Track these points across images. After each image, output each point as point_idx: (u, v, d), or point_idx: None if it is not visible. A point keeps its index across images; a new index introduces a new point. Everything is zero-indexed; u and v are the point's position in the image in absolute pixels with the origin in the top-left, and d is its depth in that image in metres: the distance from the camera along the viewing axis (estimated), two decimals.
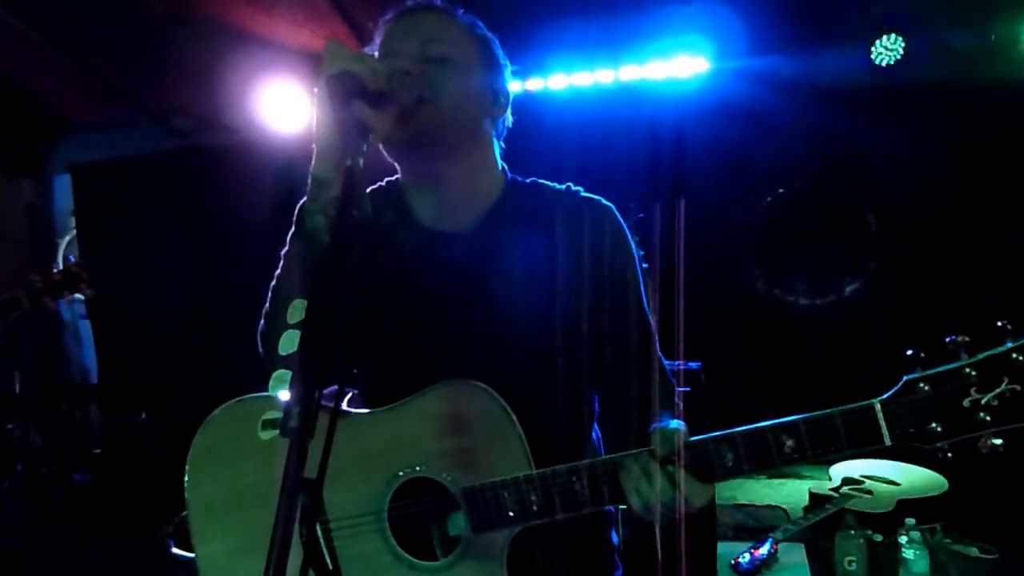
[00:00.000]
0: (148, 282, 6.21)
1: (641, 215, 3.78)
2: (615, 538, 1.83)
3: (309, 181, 1.47)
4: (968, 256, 4.61)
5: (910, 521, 3.41)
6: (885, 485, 4.02)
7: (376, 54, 1.64)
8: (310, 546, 1.27)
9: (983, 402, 1.24)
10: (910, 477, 4.08)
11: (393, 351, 1.68)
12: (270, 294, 1.62)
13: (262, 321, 1.65)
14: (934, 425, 1.26)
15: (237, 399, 1.66)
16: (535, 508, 1.46)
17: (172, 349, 6.06)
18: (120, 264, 6.35)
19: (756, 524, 4.00)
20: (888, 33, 4.47)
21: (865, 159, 4.84)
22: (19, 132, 6.41)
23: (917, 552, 3.28)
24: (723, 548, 3.76)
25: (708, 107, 4.83)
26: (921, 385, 1.27)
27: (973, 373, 1.25)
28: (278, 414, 1.05)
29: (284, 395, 1.07)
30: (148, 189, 6.25)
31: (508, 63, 1.75)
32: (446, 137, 1.60)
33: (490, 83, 1.69)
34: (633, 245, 1.73)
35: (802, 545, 3.75)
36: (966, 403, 1.25)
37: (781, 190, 5.07)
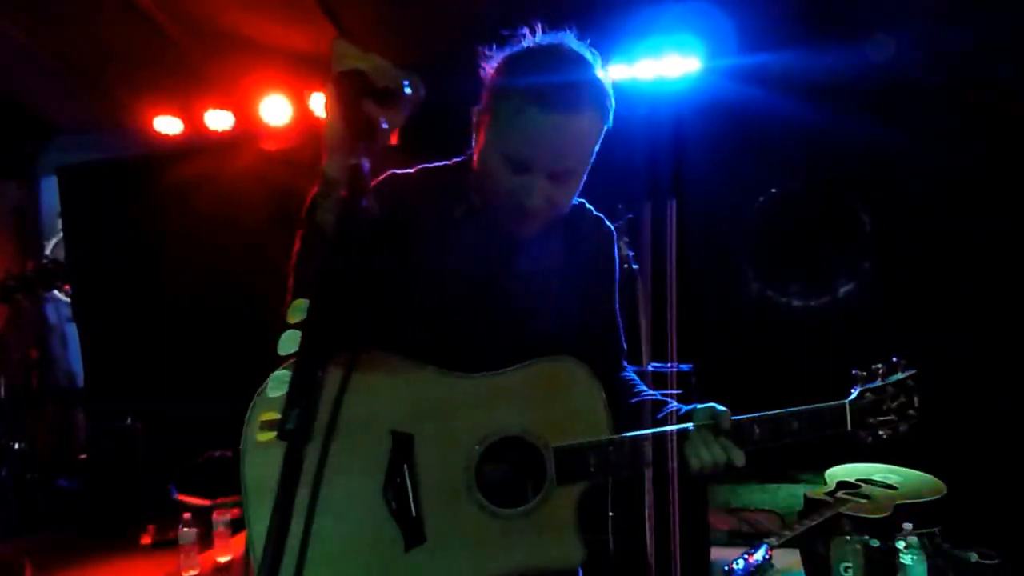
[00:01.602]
0: (135, 284, 6.17)
1: (630, 216, 3.76)
2: None
3: (320, 177, 1.50)
4: (963, 256, 4.61)
5: (908, 526, 3.38)
6: (882, 489, 3.99)
7: (490, 105, 1.71)
8: (399, 497, 1.60)
9: (891, 407, 1.94)
10: (908, 481, 4.05)
11: (459, 326, 1.82)
12: (292, 273, 1.67)
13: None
14: (873, 418, 1.93)
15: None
16: (612, 466, 1.75)
17: (159, 353, 6.02)
18: (107, 266, 6.31)
19: (751, 529, 3.98)
20: (881, 31, 4.48)
21: (858, 159, 4.83)
22: (6, 134, 6.38)
23: (915, 557, 3.25)
24: (717, 554, 3.74)
25: (699, 106, 4.82)
26: (868, 394, 1.94)
27: (891, 389, 1.95)
28: (277, 415, 1.02)
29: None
30: (135, 191, 6.22)
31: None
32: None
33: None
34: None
35: (797, 551, 3.73)
36: (884, 407, 1.94)
37: (774, 190, 5.06)
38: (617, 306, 2.06)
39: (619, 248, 3.07)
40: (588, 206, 1.96)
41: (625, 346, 2.10)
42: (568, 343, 1.84)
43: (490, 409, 1.76)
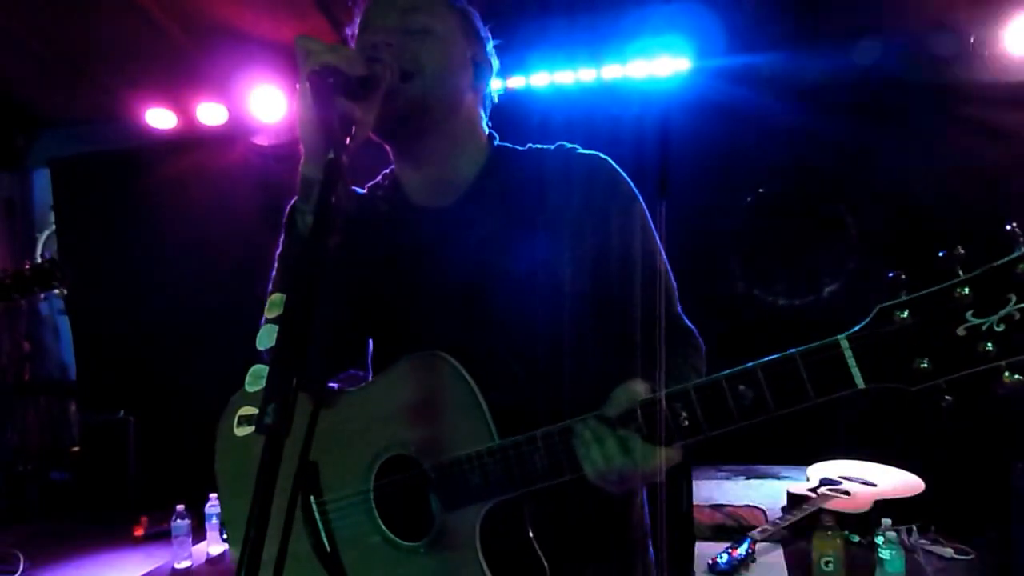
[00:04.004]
0: (127, 278, 6.18)
1: None
2: (647, 520, 1.74)
3: (298, 181, 1.45)
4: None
5: (887, 521, 3.43)
6: (862, 486, 4.04)
7: (356, 30, 1.64)
8: (308, 527, 1.29)
9: (985, 328, 0.96)
10: (887, 478, 4.11)
11: (388, 330, 1.69)
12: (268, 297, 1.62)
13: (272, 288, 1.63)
14: (921, 361, 1.00)
15: None
16: (499, 481, 1.38)
17: (151, 346, 6.02)
18: (99, 259, 6.31)
19: (734, 524, 4.01)
20: (869, 33, 4.51)
21: (845, 159, 4.86)
22: None
23: (893, 552, 3.29)
24: (701, 548, 3.77)
25: (689, 106, 4.84)
26: (899, 314, 1.03)
27: (967, 293, 0.98)
28: (254, 410, 1.04)
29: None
30: (128, 184, 6.21)
31: (489, 35, 1.73)
32: (430, 111, 1.58)
33: (472, 55, 1.67)
34: (635, 196, 1.64)
35: (779, 545, 3.77)
36: (961, 331, 0.98)
37: (762, 189, 5.09)
38: (658, 252, 1.63)
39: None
40: (569, 146, 1.69)
41: (679, 310, 1.64)
42: (575, 315, 1.55)
43: (378, 423, 1.52)
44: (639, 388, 1.30)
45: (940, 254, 1.02)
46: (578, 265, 1.57)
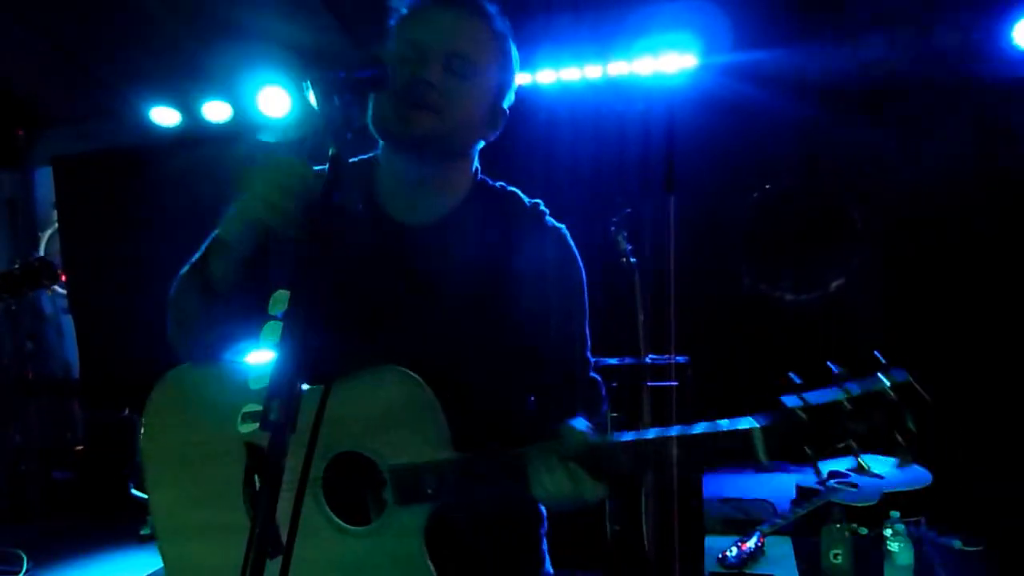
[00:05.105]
0: (131, 276, 6.18)
1: (628, 210, 3.78)
2: (542, 539, 1.89)
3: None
4: (952, 253, 4.63)
5: (895, 514, 3.43)
6: (870, 479, 4.03)
7: (394, 29, 1.66)
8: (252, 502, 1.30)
9: (852, 430, 1.33)
10: (895, 471, 4.10)
11: (345, 336, 1.67)
12: (200, 253, 1.72)
13: (177, 284, 1.76)
14: (807, 448, 1.36)
15: (191, 363, 1.79)
16: (453, 488, 1.55)
17: (155, 344, 6.00)
18: (103, 258, 6.31)
19: (743, 517, 4.01)
20: (874, 29, 4.50)
21: (851, 155, 4.86)
22: None
23: (902, 545, 3.30)
24: (711, 541, 3.77)
25: (696, 102, 4.84)
26: (800, 414, 1.35)
27: (849, 407, 1.33)
28: (258, 407, 1.05)
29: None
30: (131, 181, 6.20)
31: (518, 62, 1.75)
32: (445, 148, 1.65)
33: (499, 100, 1.71)
34: (582, 272, 1.79)
35: (789, 538, 3.77)
36: (838, 431, 1.34)
37: (768, 186, 5.08)
38: (578, 328, 1.80)
39: (620, 246, 2.76)
40: (542, 208, 1.79)
41: (589, 379, 1.82)
42: (492, 361, 1.68)
43: (334, 420, 1.53)
44: (587, 430, 1.52)
45: (834, 370, 1.36)
46: (523, 313, 1.71)
